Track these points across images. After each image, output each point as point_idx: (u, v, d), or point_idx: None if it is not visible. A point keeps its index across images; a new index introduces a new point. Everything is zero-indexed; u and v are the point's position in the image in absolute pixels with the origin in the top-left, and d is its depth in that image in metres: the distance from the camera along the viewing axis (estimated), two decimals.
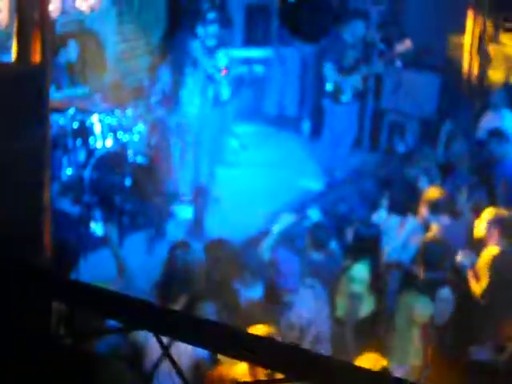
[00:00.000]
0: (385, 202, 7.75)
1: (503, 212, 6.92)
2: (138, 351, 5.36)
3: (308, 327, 6.30)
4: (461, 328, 6.50)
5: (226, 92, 8.82)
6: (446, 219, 7.26)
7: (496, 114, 9.30)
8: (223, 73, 9.15)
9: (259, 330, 5.05)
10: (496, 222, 6.74)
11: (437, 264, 6.44)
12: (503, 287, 6.49)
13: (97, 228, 6.19)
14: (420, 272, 6.44)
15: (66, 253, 6.07)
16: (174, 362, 1.54)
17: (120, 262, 6.07)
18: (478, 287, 6.59)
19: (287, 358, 1.57)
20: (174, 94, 8.52)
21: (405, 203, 7.76)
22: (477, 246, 6.91)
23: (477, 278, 6.62)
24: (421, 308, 6.24)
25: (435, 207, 7.26)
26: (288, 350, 1.60)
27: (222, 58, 9.45)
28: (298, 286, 6.37)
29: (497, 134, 8.49)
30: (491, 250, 6.70)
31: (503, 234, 6.68)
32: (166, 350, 1.52)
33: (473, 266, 6.66)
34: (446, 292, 6.37)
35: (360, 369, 1.61)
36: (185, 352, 4.92)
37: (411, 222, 7.45)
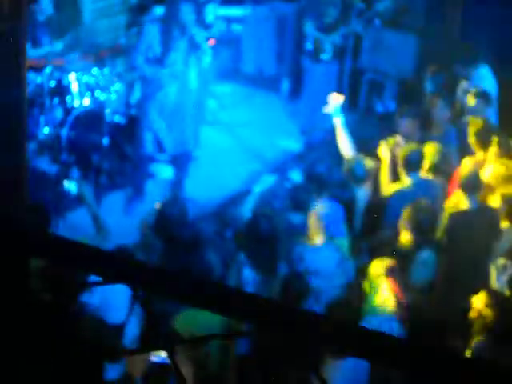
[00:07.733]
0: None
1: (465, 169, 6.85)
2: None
3: None
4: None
5: (207, 59, 8.82)
6: (419, 176, 7.09)
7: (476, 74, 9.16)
8: (211, 42, 9.09)
9: None
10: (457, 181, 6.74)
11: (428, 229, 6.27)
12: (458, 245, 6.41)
13: (70, 186, 6.13)
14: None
15: (43, 212, 6.04)
16: (147, 311, 1.56)
17: (97, 220, 6.01)
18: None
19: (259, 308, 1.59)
20: (159, 55, 8.44)
21: None
22: None
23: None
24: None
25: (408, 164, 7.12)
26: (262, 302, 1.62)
27: (210, 14, 9.40)
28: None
29: (481, 95, 8.27)
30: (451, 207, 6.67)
31: (464, 191, 6.67)
32: (144, 301, 1.53)
33: None
34: (426, 255, 6.17)
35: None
36: None
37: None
